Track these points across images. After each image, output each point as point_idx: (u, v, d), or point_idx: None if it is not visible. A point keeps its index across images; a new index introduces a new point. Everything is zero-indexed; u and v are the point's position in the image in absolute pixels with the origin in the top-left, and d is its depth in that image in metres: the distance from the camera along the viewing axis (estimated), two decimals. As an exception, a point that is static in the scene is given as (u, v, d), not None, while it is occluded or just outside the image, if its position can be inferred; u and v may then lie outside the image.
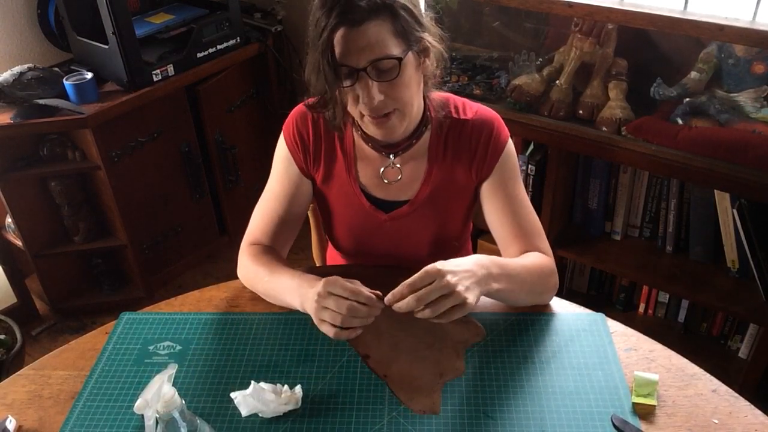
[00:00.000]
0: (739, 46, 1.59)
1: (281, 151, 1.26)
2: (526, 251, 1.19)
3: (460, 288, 0.96)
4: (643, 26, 1.64)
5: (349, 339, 1.04)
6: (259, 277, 1.19)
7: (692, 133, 1.69)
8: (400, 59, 1.04)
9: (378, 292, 1.00)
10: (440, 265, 0.98)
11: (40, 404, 1.06)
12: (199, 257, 2.58)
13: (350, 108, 1.11)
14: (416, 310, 0.96)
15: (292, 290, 1.11)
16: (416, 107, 1.14)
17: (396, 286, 0.98)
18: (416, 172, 1.22)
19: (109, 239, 2.29)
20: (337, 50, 1.02)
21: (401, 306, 0.96)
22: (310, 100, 1.21)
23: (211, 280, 2.48)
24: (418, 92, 1.13)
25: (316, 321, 1.03)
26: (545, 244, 1.21)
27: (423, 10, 1.10)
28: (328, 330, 1.01)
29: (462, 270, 0.99)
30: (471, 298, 0.97)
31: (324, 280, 1.02)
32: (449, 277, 0.96)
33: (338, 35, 1.01)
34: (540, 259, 1.17)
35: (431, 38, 1.10)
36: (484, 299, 1.06)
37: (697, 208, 1.82)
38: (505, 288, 1.07)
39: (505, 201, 1.21)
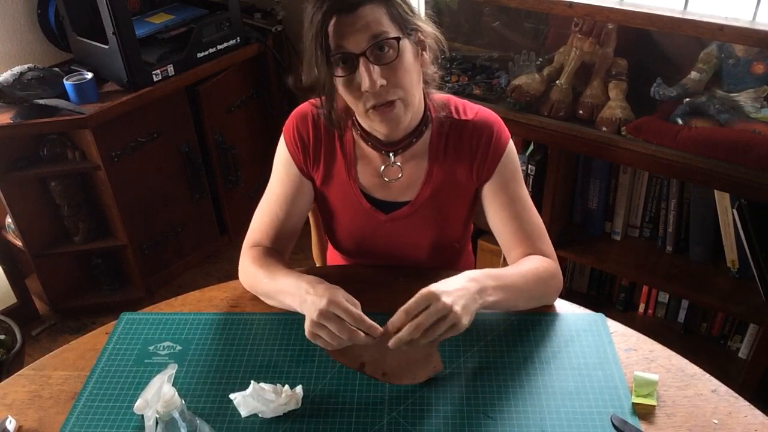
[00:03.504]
0: (739, 46, 1.59)
1: (281, 153, 1.26)
2: (529, 254, 1.19)
3: (456, 309, 0.96)
4: (643, 26, 1.64)
5: (339, 357, 1.04)
6: (258, 278, 1.19)
7: (692, 133, 1.69)
8: (398, 38, 1.04)
9: (380, 328, 0.99)
10: (434, 287, 0.98)
11: (40, 404, 1.06)
12: (199, 257, 2.58)
13: (353, 103, 1.10)
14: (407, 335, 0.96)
15: (291, 290, 1.11)
16: (418, 99, 1.14)
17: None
18: (417, 172, 1.22)
19: (109, 239, 2.29)
20: (333, 38, 1.02)
21: (402, 336, 0.96)
22: (315, 101, 1.21)
23: (211, 280, 2.49)
24: (419, 84, 1.13)
25: (308, 333, 1.01)
26: (548, 246, 1.21)
27: (418, 7, 1.11)
28: (321, 345, 1.01)
29: (455, 289, 0.99)
30: (465, 320, 0.98)
31: (328, 296, 1.00)
32: (445, 299, 0.96)
33: (332, 23, 1.01)
34: (539, 263, 1.16)
35: (427, 27, 1.10)
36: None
37: (697, 208, 1.82)
38: (501, 299, 1.07)
39: (507, 203, 1.20)
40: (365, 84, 1.04)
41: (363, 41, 1.02)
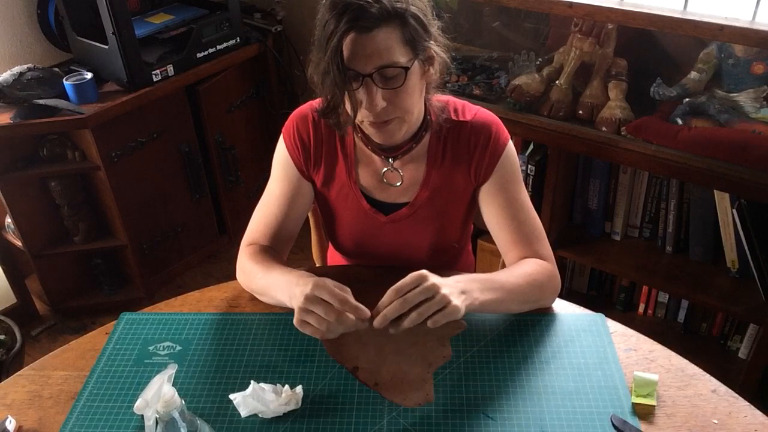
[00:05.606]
0: (739, 46, 1.59)
1: (281, 154, 1.26)
2: (526, 256, 1.18)
3: (444, 291, 0.97)
4: (643, 26, 1.64)
5: (335, 354, 1.04)
6: (253, 274, 1.19)
7: (692, 133, 1.69)
8: (406, 68, 1.04)
9: (367, 310, 0.99)
10: (425, 271, 0.99)
11: (40, 404, 1.06)
12: (199, 257, 2.58)
13: (352, 111, 1.10)
14: (404, 320, 0.96)
15: (281, 285, 1.11)
16: (416, 113, 1.14)
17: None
18: (416, 174, 1.22)
19: (109, 239, 2.29)
20: (345, 54, 1.02)
21: (389, 311, 0.96)
22: (315, 102, 1.21)
23: (211, 280, 2.49)
24: (420, 99, 1.14)
25: (296, 322, 1.01)
26: (546, 248, 1.20)
27: (432, 18, 1.10)
28: (310, 332, 1.01)
29: (444, 281, 1.00)
30: (455, 300, 0.98)
31: (313, 282, 1.01)
32: (433, 280, 0.98)
33: (347, 40, 1.01)
34: (534, 266, 1.16)
35: (437, 48, 1.10)
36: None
37: (697, 208, 1.82)
38: (489, 300, 1.06)
39: (504, 205, 1.20)
40: (366, 104, 1.06)
41: (370, 65, 1.03)
